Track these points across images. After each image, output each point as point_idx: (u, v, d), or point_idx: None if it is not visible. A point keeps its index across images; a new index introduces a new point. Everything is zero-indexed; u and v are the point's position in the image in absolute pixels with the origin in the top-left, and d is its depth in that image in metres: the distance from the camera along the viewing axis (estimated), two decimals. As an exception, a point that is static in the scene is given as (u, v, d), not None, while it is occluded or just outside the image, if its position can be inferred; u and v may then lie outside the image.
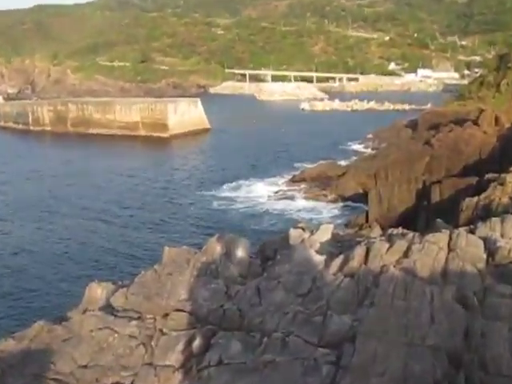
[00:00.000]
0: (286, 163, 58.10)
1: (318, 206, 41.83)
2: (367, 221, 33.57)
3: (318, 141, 71.56)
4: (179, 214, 41.17)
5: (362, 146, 67.86)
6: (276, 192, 46.22)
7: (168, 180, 53.19)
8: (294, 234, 15.75)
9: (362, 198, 39.60)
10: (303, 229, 16.23)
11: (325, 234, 15.64)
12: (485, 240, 13.49)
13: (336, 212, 40.27)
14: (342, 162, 54.48)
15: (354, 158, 56.83)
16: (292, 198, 44.15)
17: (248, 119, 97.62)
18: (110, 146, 73.67)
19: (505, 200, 21.38)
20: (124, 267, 30.13)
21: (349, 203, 41.95)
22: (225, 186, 48.66)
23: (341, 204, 42.02)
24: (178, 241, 33.16)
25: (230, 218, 39.51)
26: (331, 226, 16.37)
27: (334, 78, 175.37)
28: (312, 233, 15.82)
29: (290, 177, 50.37)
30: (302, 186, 47.11)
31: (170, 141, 77.50)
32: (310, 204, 42.30)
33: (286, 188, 47.31)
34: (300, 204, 42.43)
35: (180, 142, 76.30)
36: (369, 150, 63.03)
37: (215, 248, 15.41)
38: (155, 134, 78.43)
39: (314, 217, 38.71)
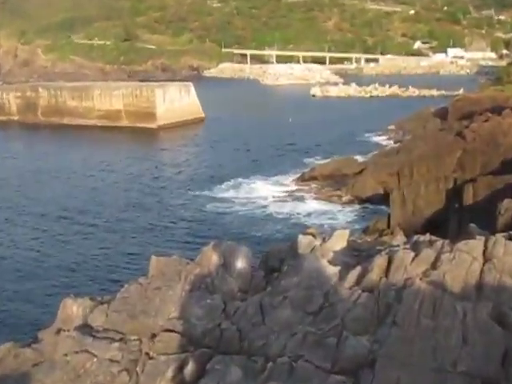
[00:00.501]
0: (294, 159, 58.17)
1: (332, 208, 41.89)
2: (389, 226, 33.60)
3: (332, 132, 71.59)
4: (169, 217, 41.28)
5: (383, 138, 67.95)
6: (282, 192, 46.29)
7: (156, 178, 53.33)
8: (304, 241, 15.79)
9: (383, 199, 39.63)
10: (314, 235, 16.29)
11: (339, 242, 15.69)
12: (527, 248, 13.46)
13: (352, 216, 40.33)
14: (360, 158, 54.53)
15: (374, 152, 56.88)
16: (301, 199, 44.23)
17: (249, 107, 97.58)
18: (88, 138, 73.79)
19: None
20: (104, 280, 30.22)
21: (367, 205, 42.02)
22: (222, 186, 48.78)
23: (358, 206, 42.09)
24: (168, 249, 33.16)
25: (228, 223, 39.61)
26: (347, 231, 16.41)
27: (349, 59, 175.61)
28: (324, 240, 15.87)
29: (298, 175, 50.47)
30: (313, 185, 47.20)
31: (158, 132, 77.61)
32: (322, 206, 42.37)
33: (293, 188, 47.39)
34: (310, 206, 42.50)
35: (170, 134, 76.39)
36: (391, 143, 63.12)
37: (211, 258, 15.46)
38: (141, 125, 78.56)
39: (327, 221, 38.77)
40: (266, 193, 46.35)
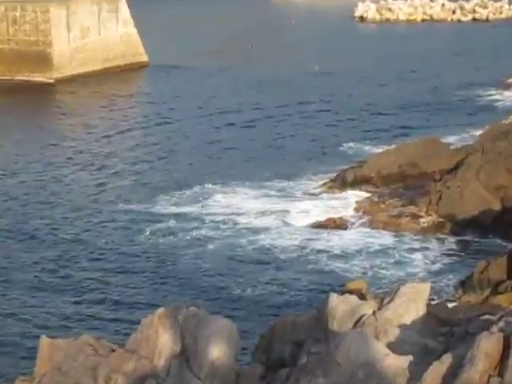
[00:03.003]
0: (323, 144, 58.59)
1: (398, 241, 41.96)
2: (510, 275, 33.67)
3: (398, 90, 72.02)
4: (76, 256, 41.31)
5: (499, 100, 68.29)
6: (297, 209, 46.35)
7: (50, 178, 53.51)
8: (341, 306, 15.95)
9: (498, 221, 39.69)
10: (362, 294, 16.38)
11: (411, 307, 15.82)
12: None
13: (438, 255, 40.40)
14: (453, 140, 54.74)
15: (480, 130, 56.93)
16: (337, 222, 44.31)
17: (238, 44, 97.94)
18: None
19: None
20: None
21: (468, 235, 42.11)
22: (176, 195, 48.98)
23: (450, 237, 42.19)
24: (72, 319, 33.15)
25: (191, 265, 39.60)
26: (427, 287, 16.53)
27: None
28: (382, 304, 15.94)
29: (331, 175, 50.59)
30: (362, 194, 47.27)
31: (58, 90, 77.90)
32: (380, 237, 42.45)
33: (321, 200, 47.48)
34: (355, 237, 42.60)
35: (79, 95, 76.73)
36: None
37: (158, 339, 15.53)
38: (24, 77, 79.05)
39: (388, 268, 38.74)
40: (262, 208, 46.38)
